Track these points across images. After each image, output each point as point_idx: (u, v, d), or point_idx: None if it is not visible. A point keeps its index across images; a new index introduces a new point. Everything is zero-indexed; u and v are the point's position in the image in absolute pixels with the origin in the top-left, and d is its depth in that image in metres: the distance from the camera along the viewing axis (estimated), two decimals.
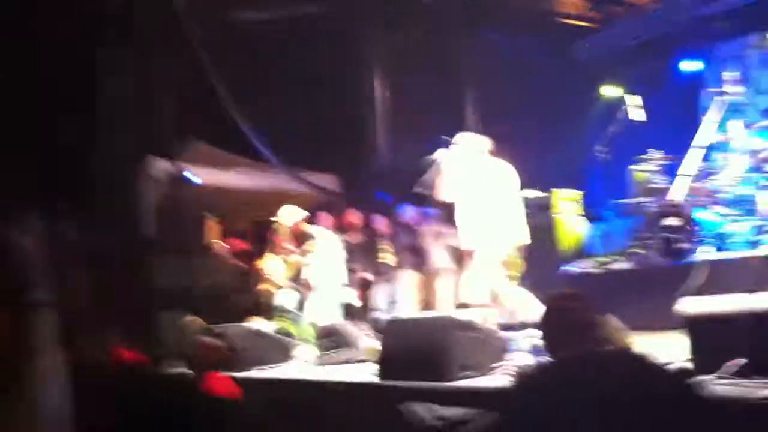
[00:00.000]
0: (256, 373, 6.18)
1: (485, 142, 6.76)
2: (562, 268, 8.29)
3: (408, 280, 9.61)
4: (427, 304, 9.22)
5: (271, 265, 8.86)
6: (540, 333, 3.95)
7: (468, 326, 5.53)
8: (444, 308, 7.03)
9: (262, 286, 9.13)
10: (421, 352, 4.94)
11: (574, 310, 3.37)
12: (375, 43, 12.17)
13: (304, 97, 11.00)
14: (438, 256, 10.32)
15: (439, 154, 6.74)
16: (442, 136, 6.77)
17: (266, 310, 8.76)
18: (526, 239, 6.55)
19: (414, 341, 5.10)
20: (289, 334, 7.57)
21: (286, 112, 10.85)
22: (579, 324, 3.30)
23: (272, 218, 8.84)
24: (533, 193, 9.05)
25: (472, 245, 6.57)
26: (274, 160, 10.40)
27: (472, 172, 6.63)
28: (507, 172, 6.67)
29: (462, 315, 5.89)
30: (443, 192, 6.79)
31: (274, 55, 10.96)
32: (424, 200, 11.05)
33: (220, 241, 10.55)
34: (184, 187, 10.09)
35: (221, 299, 9.09)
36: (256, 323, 7.87)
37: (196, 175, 10.24)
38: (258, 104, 10.47)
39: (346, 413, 5.01)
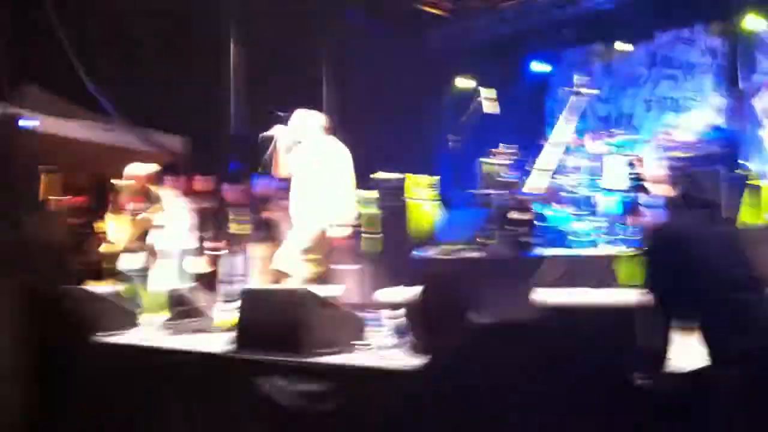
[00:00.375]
0: (99, 339, 5.86)
1: (322, 119, 6.81)
2: (413, 252, 8.43)
3: (258, 252, 9.47)
4: (275, 278, 9.14)
5: (113, 225, 8.42)
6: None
7: (326, 302, 5.52)
8: (294, 282, 6.95)
9: (103, 247, 8.68)
10: (278, 324, 4.86)
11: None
12: (235, 7, 11.79)
13: (156, 54, 10.51)
14: (287, 229, 10.26)
15: (276, 131, 6.67)
16: (278, 112, 6.69)
17: (107, 273, 8.34)
18: (349, 220, 6.64)
19: (270, 313, 5.02)
20: (134, 300, 7.23)
21: (136, 68, 10.33)
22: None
23: (114, 176, 8.41)
24: (387, 176, 9.15)
25: (297, 220, 6.73)
26: (119, 116, 9.88)
27: (305, 149, 6.70)
28: (339, 151, 6.72)
29: (321, 290, 5.86)
30: (280, 169, 6.83)
31: (126, 5, 10.35)
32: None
33: (55, 196, 9.90)
34: (17, 134, 9.37)
35: (56, 259, 8.52)
36: (97, 286, 7.44)
37: (30, 122, 9.54)
38: (105, 56, 9.90)
39: (198, 384, 4.87)
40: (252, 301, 5.16)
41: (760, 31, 10.50)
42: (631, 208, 4.66)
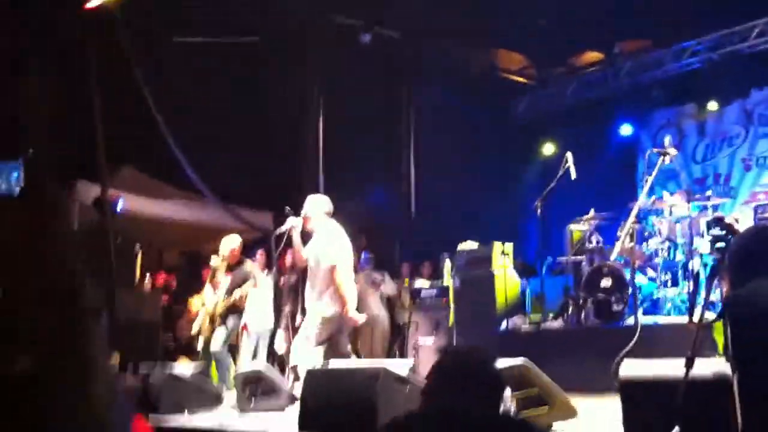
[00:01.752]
0: (175, 419, 5.88)
1: (327, 203, 6.79)
2: (498, 323, 8.22)
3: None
4: (357, 351, 9.06)
5: (203, 302, 8.56)
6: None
7: (401, 379, 5.38)
8: (377, 357, 6.87)
9: (191, 324, 8.82)
10: (347, 403, 4.75)
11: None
12: (317, 83, 12.09)
13: (243, 130, 10.81)
14: (372, 303, 10.20)
15: (290, 222, 6.68)
16: (287, 207, 6.76)
17: (193, 349, 8.45)
18: (326, 312, 6.51)
19: (338, 392, 4.92)
20: (209, 377, 7.28)
21: (224, 145, 10.64)
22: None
23: (207, 253, 8.60)
24: (473, 245, 9.02)
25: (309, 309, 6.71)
26: (209, 194, 10.13)
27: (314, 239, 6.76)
28: (330, 237, 6.66)
29: (395, 367, 5.73)
30: (298, 260, 6.87)
31: (216, 87, 10.74)
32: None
33: (147, 274, 10.19)
34: (115, 215, 9.74)
35: (142, 336, 8.73)
36: (180, 365, 7.53)
37: (127, 203, 9.91)
38: (195, 135, 10.24)
39: None
40: (317, 380, 5.08)
41: None
42: (714, 271, 4.37)
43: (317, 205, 6.76)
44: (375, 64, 11.96)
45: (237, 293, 8.18)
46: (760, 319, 3.39)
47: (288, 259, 10.29)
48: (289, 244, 10.20)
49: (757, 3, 10.12)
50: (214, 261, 8.54)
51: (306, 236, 6.81)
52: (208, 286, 8.71)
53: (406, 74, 13.12)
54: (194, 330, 8.70)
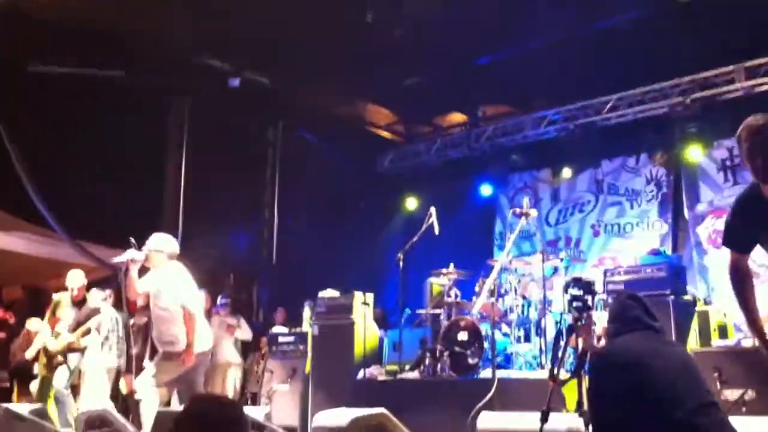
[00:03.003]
0: None
1: (173, 244, 6.81)
2: (356, 372, 8.15)
3: None
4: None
5: (44, 332, 8.02)
6: None
7: (256, 424, 5.22)
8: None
9: (27, 351, 8.25)
10: None
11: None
12: (183, 123, 11.84)
13: (103, 165, 10.36)
14: (226, 347, 9.94)
15: (128, 254, 6.57)
16: (131, 239, 6.62)
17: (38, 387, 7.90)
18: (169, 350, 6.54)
19: None
20: (47, 417, 6.79)
21: (82, 180, 10.16)
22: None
23: (49, 288, 8.10)
24: (333, 294, 8.96)
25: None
26: (58, 228, 9.60)
27: (155, 273, 6.72)
28: (176, 278, 6.67)
29: (252, 413, 5.54)
30: (133, 291, 6.75)
31: (73, 117, 10.26)
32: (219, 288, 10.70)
33: None
34: None
35: None
36: (17, 404, 6.99)
37: None
38: (52, 169, 9.74)
39: None
40: (164, 423, 4.84)
41: (701, 162, 10.79)
42: (571, 329, 4.54)
43: (161, 243, 6.65)
44: (242, 109, 11.86)
45: (79, 331, 7.73)
46: (615, 371, 3.52)
47: (139, 300, 9.88)
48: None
49: (612, 80, 10.78)
50: (57, 296, 8.07)
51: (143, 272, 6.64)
52: (45, 322, 8.23)
53: (273, 120, 13.10)
54: (29, 355, 8.16)
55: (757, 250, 3.80)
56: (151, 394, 6.36)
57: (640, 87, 10.81)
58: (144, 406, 6.29)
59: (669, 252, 10.30)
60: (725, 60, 10.03)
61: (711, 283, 10.23)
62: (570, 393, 6.21)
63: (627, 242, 11.41)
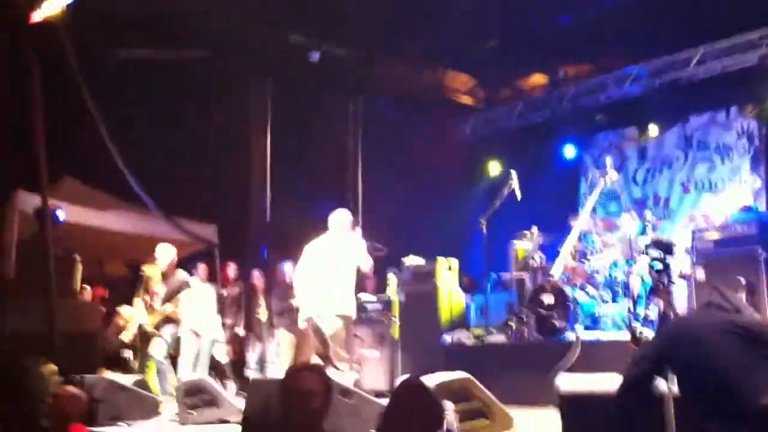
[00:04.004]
0: (115, 429, 5.77)
1: (348, 217, 7.14)
2: (442, 337, 8.27)
3: (282, 339, 9.39)
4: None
5: (137, 312, 8.40)
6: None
7: (344, 390, 5.37)
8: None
9: (123, 334, 8.67)
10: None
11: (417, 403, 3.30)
12: (262, 97, 12.09)
13: (188, 143, 10.72)
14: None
15: None
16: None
17: (125, 360, 8.30)
18: (346, 312, 6.78)
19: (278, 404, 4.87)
20: (147, 388, 7.16)
21: (169, 157, 10.52)
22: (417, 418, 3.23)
23: (147, 264, 8.47)
24: (417, 260, 9.07)
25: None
26: (152, 205, 9.99)
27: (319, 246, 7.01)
28: (346, 245, 6.92)
29: (338, 378, 5.72)
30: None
31: (161, 98, 10.63)
32: None
33: (85, 286, 9.98)
34: (55, 226, 9.53)
35: (81, 346, 8.52)
36: (115, 374, 7.39)
37: (68, 214, 9.70)
38: (139, 146, 10.11)
39: None
40: (260, 392, 5.02)
41: None
42: (653, 291, 4.51)
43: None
44: (323, 83, 12.02)
45: (172, 303, 8.04)
46: (685, 338, 3.51)
47: (229, 272, 10.23)
48: (230, 256, 10.16)
49: (696, 32, 10.43)
50: (148, 270, 8.41)
51: None
52: (138, 297, 8.58)
53: (353, 92, 13.20)
54: (127, 338, 8.56)
55: None
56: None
57: (726, 39, 10.42)
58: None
59: (762, 208, 9.97)
60: None
61: None
62: None
63: (718, 199, 11.08)
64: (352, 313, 6.92)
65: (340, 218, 7.06)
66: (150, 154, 10.22)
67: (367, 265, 7.02)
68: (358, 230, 7.29)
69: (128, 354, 8.75)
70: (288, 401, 3.42)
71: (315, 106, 12.11)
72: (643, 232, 8.74)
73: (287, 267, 9.42)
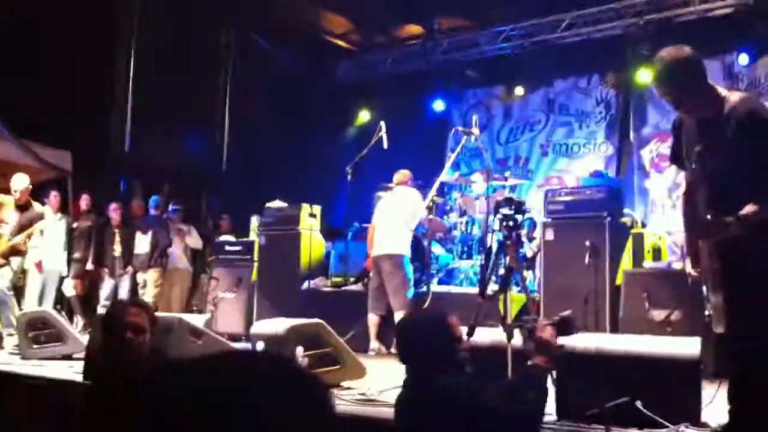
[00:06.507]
0: None
1: (398, 175, 7.86)
2: (300, 282, 8.30)
3: (150, 276, 9.23)
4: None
5: None
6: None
7: (194, 330, 5.33)
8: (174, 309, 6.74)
9: None
10: None
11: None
12: (132, 18, 11.54)
13: (45, 62, 10.06)
14: (177, 254, 9.96)
15: None
16: None
17: None
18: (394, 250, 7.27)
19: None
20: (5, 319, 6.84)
21: (23, 78, 9.86)
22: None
23: None
24: (280, 204, 9.02)
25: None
26: (2, 128, 9.38)
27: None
28: (398, 200, 7.60)
29: (191, 318, 5.65)
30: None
31: (15, 12, 9.88)
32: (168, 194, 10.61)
33: None
34: None
35: None
36: None
37: None
38: None
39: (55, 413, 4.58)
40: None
41: (651, 85, 10.87)
42: (501, 247, 4.70)
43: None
44: (197, 6, 11.59)
45: (23, 234, 7.67)
46: None
47: (82, 203, 9.82)
48: (84, 186, 9.74)
49: None
50: (1, 198, 7.96)
51: None
52: None
53: (230, 20, 12.79)
54: None
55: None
56: None
57: (596, 6, 10.79)
58: None
59: (612, 174, 10.51)
60: None
61: (650, 206, 10.51)
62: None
63: (574, 163, 11.61)
64: None
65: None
66: (2, 74, 9.55)
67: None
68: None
69: None
70: (113, 334, 3.51)
71: (185, 32, 11.67)
72: (495, 191, 9.04)
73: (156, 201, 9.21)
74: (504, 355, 4.14)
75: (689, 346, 3.92)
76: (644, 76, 10.78)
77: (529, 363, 3.12)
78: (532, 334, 3.30)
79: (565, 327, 3.27)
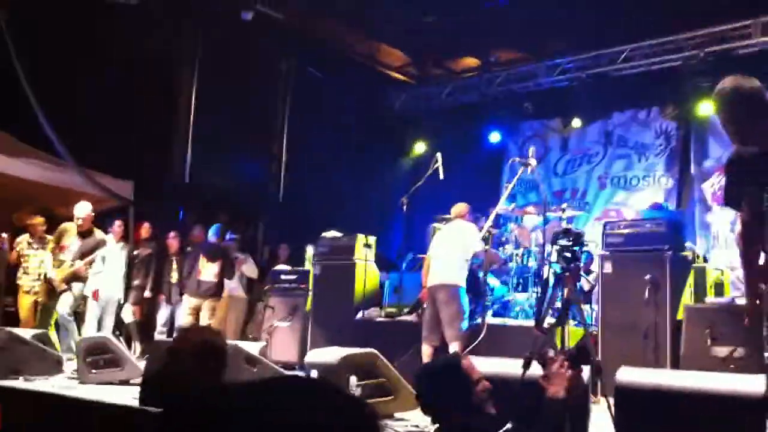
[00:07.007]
0: (11, 383, 5.59)
1: (457, 207, 7.80)
2: (354, 312, 8.30)
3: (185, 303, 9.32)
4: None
5: (45, 264, 8.16)
6: None
7: (249, 358, 5.36)
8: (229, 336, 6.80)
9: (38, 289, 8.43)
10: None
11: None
12: (190, 51, 11.80)
13: (111, 96, 10.36)
14: (232, 283, 10.06)
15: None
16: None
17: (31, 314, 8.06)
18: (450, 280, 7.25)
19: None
20: (49, 343, 6.98)
21: (90, 110, 10.16)
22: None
23: (57, 215, 8.22)
24: (336, 234, 9.06)
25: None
26: (68, 156, 9.64)
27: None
28: (455, 232, 7.58)
29: (247, 346, 5.69)
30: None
31: (79, 45, 10.20)
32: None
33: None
34: None
35: None
36: (20, 329, 7.17)
37: None
38: (60, 97, 9.73)
39: None
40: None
41: (712, 117, 10.70)
42: (559, 279, 4.63)
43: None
44: (255, 42, 11.80)
45: (85, 261, 7.85)
46: None
47: (143, 232, 10.02)
48: (145, 215, 9.93)
49: (627, 30, 10.65)
50: (64, 225, 8.18)
51: None
52: (48, 250, 8.33)
53: (286, 55, 13.01)
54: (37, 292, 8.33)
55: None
56: None
57: (654, 39, 10.68)
58: None
59: (672, 207, 10.31)
60: (742, 13, 9.89)
61: (712, 240, 10.27)
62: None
63: (632, 196, 11.42)
64: None
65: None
66: (68, 104, 9.85)
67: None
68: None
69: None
70: (178, 361, 3.48)
71: (244, 65, 11.89)
72: (558, 221, 8.94)
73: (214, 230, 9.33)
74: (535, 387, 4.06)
75: (754, 384, 3.80)
76: (705, 108, 10.61)
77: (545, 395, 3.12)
78: (546, 364, 3.27)
79: (581, 357, 3.25)
